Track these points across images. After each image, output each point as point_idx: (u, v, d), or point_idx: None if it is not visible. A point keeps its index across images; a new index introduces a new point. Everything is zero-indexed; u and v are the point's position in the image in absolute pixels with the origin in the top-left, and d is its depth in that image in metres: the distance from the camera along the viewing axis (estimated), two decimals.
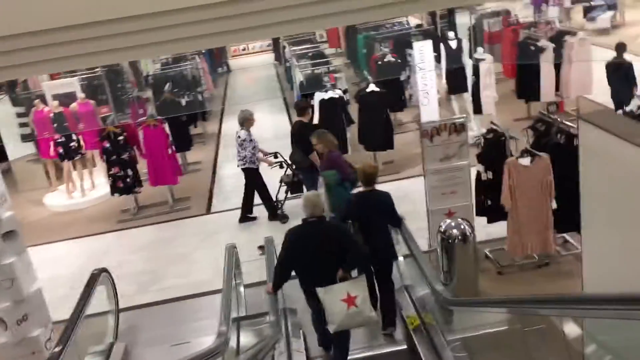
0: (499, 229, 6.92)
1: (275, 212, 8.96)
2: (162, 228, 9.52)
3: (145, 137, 9.65)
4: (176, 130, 10.57)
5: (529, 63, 10.87)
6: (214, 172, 11.80)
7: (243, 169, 8.82)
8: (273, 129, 12.96)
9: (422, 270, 5.54)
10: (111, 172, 9.65)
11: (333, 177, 6.64)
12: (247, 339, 5.68)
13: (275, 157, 8.97)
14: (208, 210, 10.00)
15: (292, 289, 6.30)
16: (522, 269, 6.83)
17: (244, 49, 24.33)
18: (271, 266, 5.90)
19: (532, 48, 10.89)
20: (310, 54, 13.19)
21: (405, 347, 5.69)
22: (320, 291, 4.94)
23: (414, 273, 6.52)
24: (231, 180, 11.24)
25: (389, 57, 11.28)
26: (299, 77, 11.17)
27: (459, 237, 5.91)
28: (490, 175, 6.78)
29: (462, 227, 5.96)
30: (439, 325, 5.44)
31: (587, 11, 17.76)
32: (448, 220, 6.12)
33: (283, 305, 5.89)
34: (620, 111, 6.68)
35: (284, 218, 8.89)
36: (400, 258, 6.84)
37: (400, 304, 6.14)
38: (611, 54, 9.80)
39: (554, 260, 6.85)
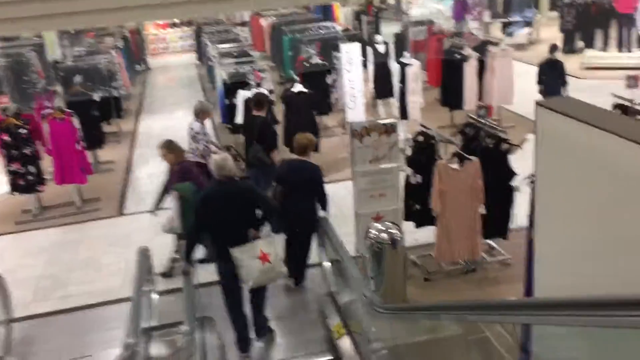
0: (425, 234, 6.78)
1: None
2: (67, 230, 8.75)
3: (51, 131, 8.85)
4: (87, 126, 9.78)
5: (452, 72, 10.97)
6: (127, 173, 11.09)
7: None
8: None
9: (352, 275, 5.24)
10: (11, 169, 8.80)
11: (189, 189, 6.19)
12: (158, 351, 5.18)
13: (228, 149, 8.34)
14: (120, 213, 9.31)
15: (210, 297, 5.89)
16: (449, 276, 6.71)
17: (164, 48, 23.48)
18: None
19: (457, 56, 10.98)
20: (234, 53, 12.71)
21: (330, 357, 5.36)
22: (235, 251, 5.10)
23: (340, 279, 6.24)
24: (146, 181, 10.57)
25: (316, 59, 11.03)
26: (222, 75, 10.68)
27: (389, 242, 5.65)
28: (419, 179, 6.61)
29: (392, 231, 5.71)
30: (366, 334, 5.17)
31: (505, 27, 18.41)
32: (377, 224, 5.85)
33: (199, 314, 5.43)
34: None
35: None
36: (327, 263, 6.55)
37: (325, 313, 5.83)
38: (528, 68, 11.07)
39: (479, 266, 6.77)
